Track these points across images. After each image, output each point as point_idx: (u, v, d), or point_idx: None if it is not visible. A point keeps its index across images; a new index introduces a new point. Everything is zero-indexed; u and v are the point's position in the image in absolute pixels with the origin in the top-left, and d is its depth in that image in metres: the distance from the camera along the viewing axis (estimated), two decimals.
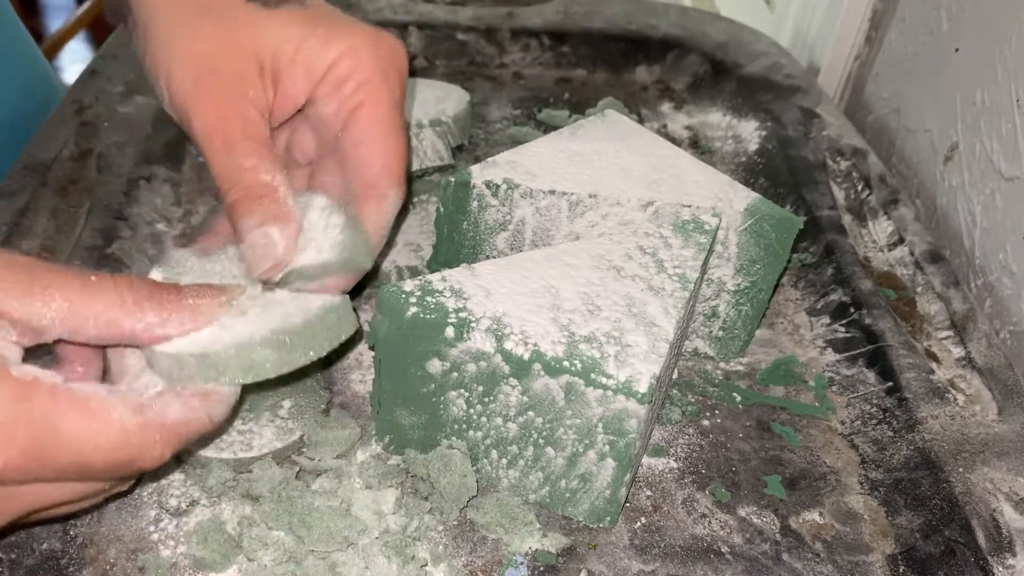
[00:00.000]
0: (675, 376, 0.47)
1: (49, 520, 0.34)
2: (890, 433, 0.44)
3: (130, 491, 0.37)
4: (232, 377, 0.33)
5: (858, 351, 0.48)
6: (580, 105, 0.70)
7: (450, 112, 0.60)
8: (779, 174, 0.61)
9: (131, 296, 0.32)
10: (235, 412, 0.37)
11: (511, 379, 0.36)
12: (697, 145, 0.68)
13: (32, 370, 0.29)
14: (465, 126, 0.62)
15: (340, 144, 0.39)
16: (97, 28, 2.04)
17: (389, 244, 0.52)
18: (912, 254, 0.53)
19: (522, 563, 0.37)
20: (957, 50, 0.62)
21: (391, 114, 0.39)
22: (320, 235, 0.38)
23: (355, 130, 0.39)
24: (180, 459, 0.38)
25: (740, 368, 0.48)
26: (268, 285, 0.37)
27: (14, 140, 0.56)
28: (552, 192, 0.44)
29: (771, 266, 0.46)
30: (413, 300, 0.36)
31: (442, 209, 0.46)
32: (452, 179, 0.44)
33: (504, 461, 0.38)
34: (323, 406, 0.42)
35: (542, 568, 0.37)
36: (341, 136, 0.39)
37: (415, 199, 0.55)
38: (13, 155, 0.54)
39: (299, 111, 0.40)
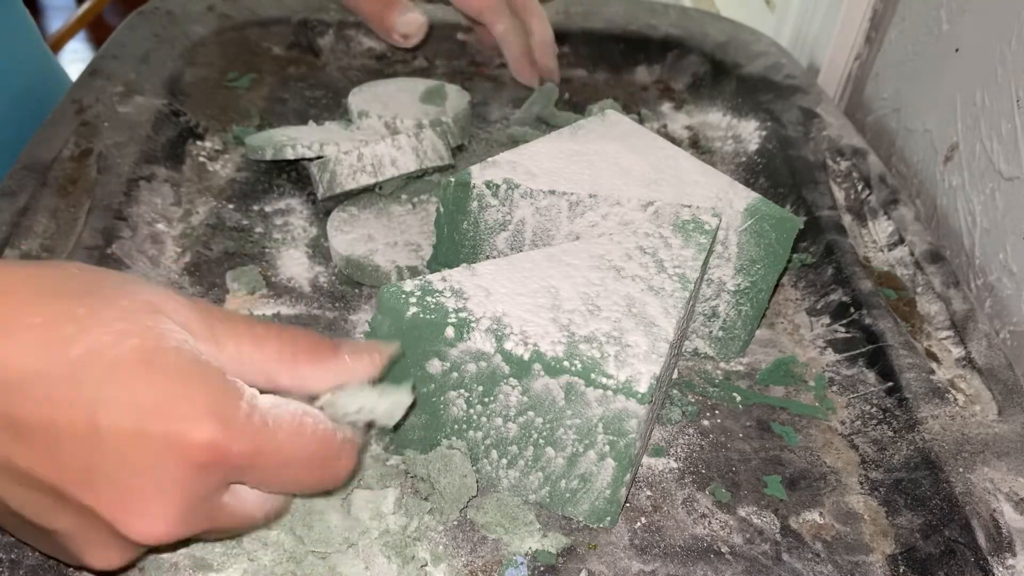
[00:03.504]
0: (675, 376, 0.47)
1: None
2: (890, 433, 0.44)
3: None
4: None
5: (858, 351, 0.48)
6: (580, 105, 0.70)
7: (450, 112, 0.60)
8: (779, 174, 0.61)
9: (291, 349, 0.32)
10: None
11: (511, 379, 0.36)
12: (697, 145, 0.68)
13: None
14: (465, 126, 0.62)
15: None
16: (97, 28, 2.04)
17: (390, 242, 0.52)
18: (912, 254, 0.53)
19: (522, 563, 0.37)
20: (957, 50, 0.62)
21: None
22: None
23: None
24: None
25: (740, 368, 0.48)
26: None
27: (20, 136, 0.56)
28: (552, 192, 0.44)
29: (771, 266, 0.46)
30: (413, 300, 0.36)
31: (442, 209, 0.46)
32: (452, 179, 0.44)
33: (504, 461, 0.38)
34: None
35: (542, 568, 0.37)
36: None
37: (415, 199, 0.55)
38: (17, 153, 0.54)
39: None
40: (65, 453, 0.27)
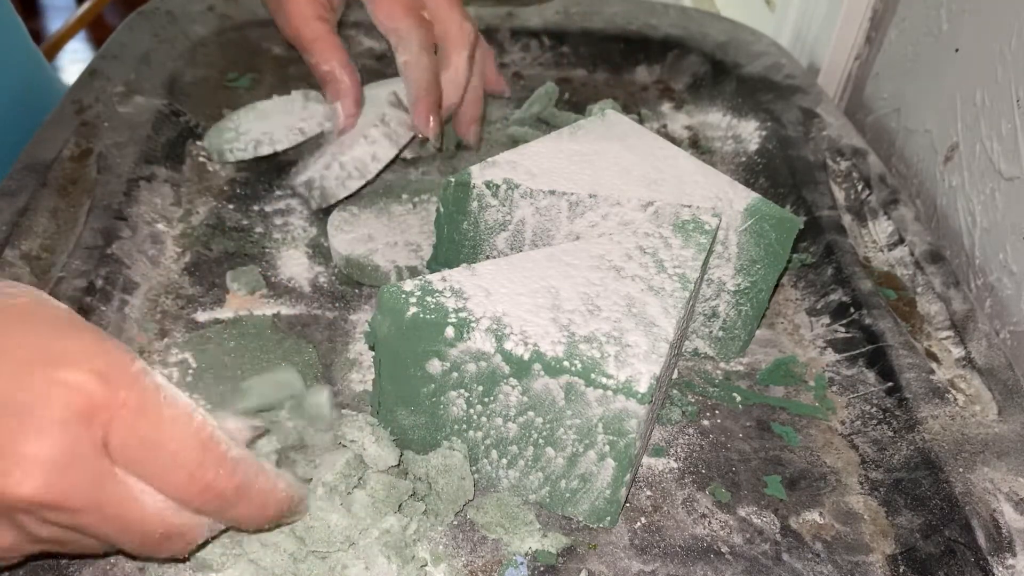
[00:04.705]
0: (675, 376, 0.47)
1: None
2: (890, 433, 0.44)
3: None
4: None
5: (858, 351, 0.48)
6: (580, 105, 0.70)
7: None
8: (779, 174, 0.61)
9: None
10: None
11: (511, 379, 0.36)
12: (697, 145, 0.68)
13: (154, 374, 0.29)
14: None
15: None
16: (97, 28, 2.04)
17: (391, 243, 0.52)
18: (912, 254, 0.53)
19: (522, 563, 0.37)
20: (957, 50, 0.62)
21: None
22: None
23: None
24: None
25: (740, 368, 0.48)
26: None
27: (14, 140, 0.56)
28: (552, 192, 0.44)
29: (771, 266, 0.46)
30: (413, 300, 0.36)
31: (442, 209, 0.46)
32: (452, 179, 0.44)
33: (504, 461, 0.38)
34: None
35: (542, 568, 0.37)
36: None
37: (415, 199, 0.55)
38: (13, 155, 0.54)
39: None
40: None
